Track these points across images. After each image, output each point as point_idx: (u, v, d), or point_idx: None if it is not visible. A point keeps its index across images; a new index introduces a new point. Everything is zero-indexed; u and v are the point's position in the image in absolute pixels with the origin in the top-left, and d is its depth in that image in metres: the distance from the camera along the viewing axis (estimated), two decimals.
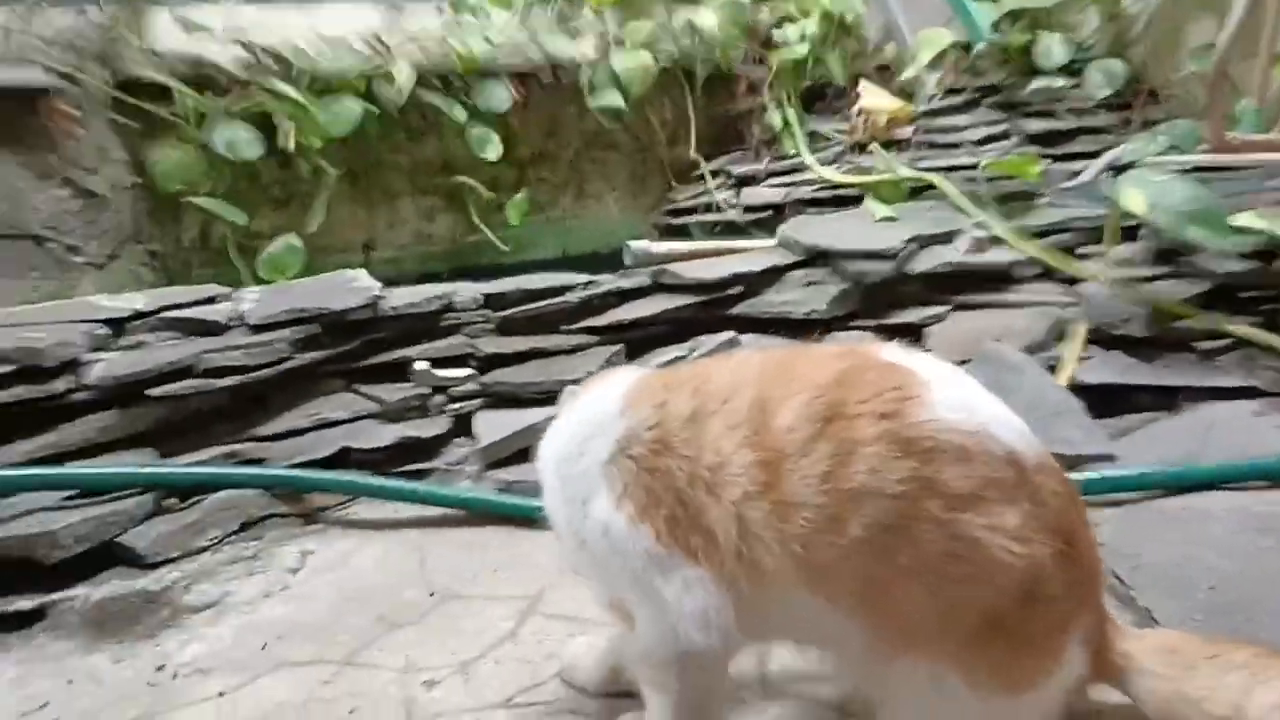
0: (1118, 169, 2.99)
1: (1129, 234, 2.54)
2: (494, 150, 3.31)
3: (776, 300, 2.53)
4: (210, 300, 2.35)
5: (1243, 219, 2.18)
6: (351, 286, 2.37)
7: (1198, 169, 2.82)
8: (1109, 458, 1.89)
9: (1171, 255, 2.44)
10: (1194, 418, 2.07)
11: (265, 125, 2.98)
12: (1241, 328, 2.21)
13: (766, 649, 1.37)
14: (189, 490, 1.90)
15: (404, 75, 3.16)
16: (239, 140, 2.90)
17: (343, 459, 2.05)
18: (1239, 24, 2.84)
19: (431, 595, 1.67)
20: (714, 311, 2.55)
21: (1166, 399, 2.17)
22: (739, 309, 2.55)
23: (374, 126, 3.21)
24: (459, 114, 3.23)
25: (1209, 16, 3.38)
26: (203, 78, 2.92)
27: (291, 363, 2.17)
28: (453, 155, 3.42)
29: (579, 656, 1.40)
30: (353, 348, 2.29)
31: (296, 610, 1.65)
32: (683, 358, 2.28)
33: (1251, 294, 2.27)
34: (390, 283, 2.47)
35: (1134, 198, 2.20)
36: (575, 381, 2.15)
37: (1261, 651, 1.09)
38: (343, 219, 3.28)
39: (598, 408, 1.17)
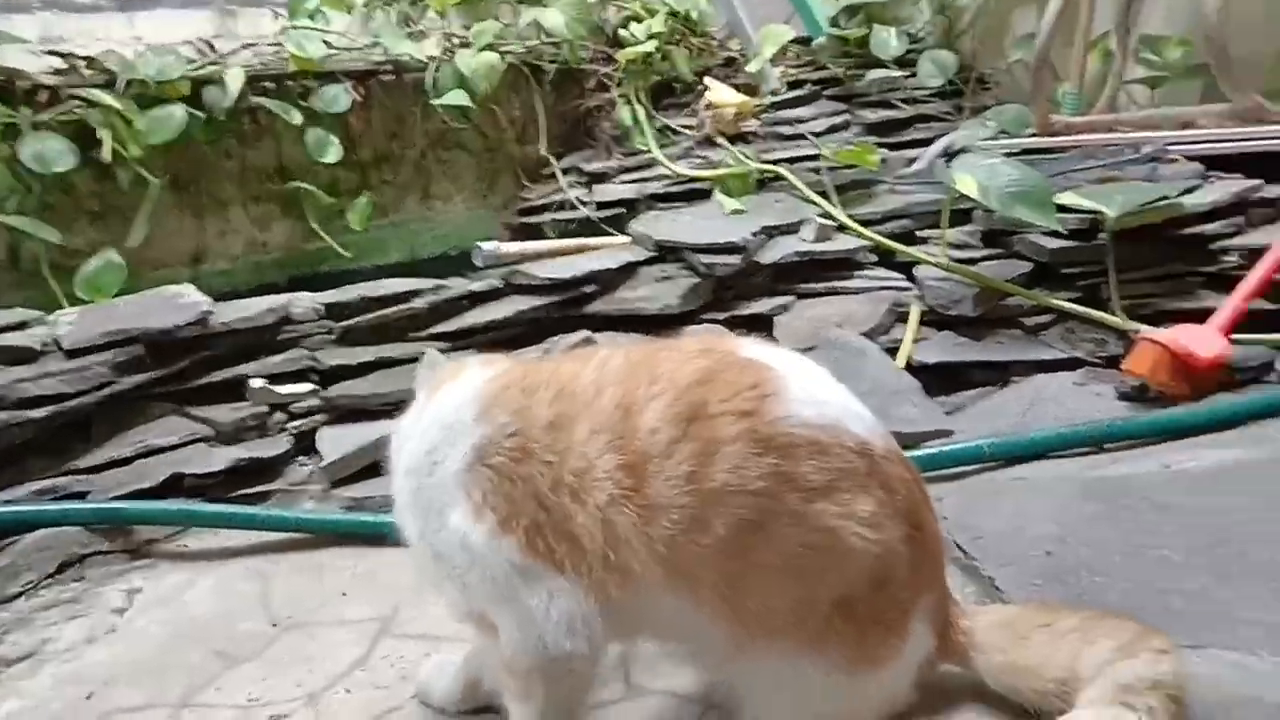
0: (951, 155, 3.11)
1: (964, 218, 2.63)
2: (333, 153, 3.18)
3: (631, 297, 2.52)
4: (21, 325, 2.19)
5: (1065, 198, 2.29)
6: (178, 303, 2.24)
7: (1025, 152, 2.96)
8: (946, 433, 1.96)
9: (1001, 237, 2.54)
10: (1022, 390, 2.17)
11: (82, 136, 2.79)
12: (1063, 303, 2.32)
13: (631, 647, 1.34)
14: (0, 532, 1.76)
15: (234, 79, 3.01)
16: (50, 152, 2.70)
17: (175, 487, 1.93)
18: (1057, 14, 3.00)
19: (274, 626, 1.59)
20: (569, 311, 2.52)
21: (997, 374, 2.27)
22: (594, 307, 2.53)
23: (202, 133, 3.05)
24: (295, 117, 3.10)
25: (1031, 7, 3.55)
26: (12, 89, 2.72)
27: (113, 388, 2.04)
28: (289, 160, 3.28)
29: (434, 675, 1.35)
30: (182, 368, 2.16)
31: (124, 653, 1.54)
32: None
33: (1073, 270, 2.38)
34: (223, 296, 2.35)
35: (966, 181, 2.28)
36: None
37: (1090, 615, 1.15)
38: (168, 231, 3.09)
39: (450, 413, 1.11)
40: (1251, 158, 2.55)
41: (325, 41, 3.32)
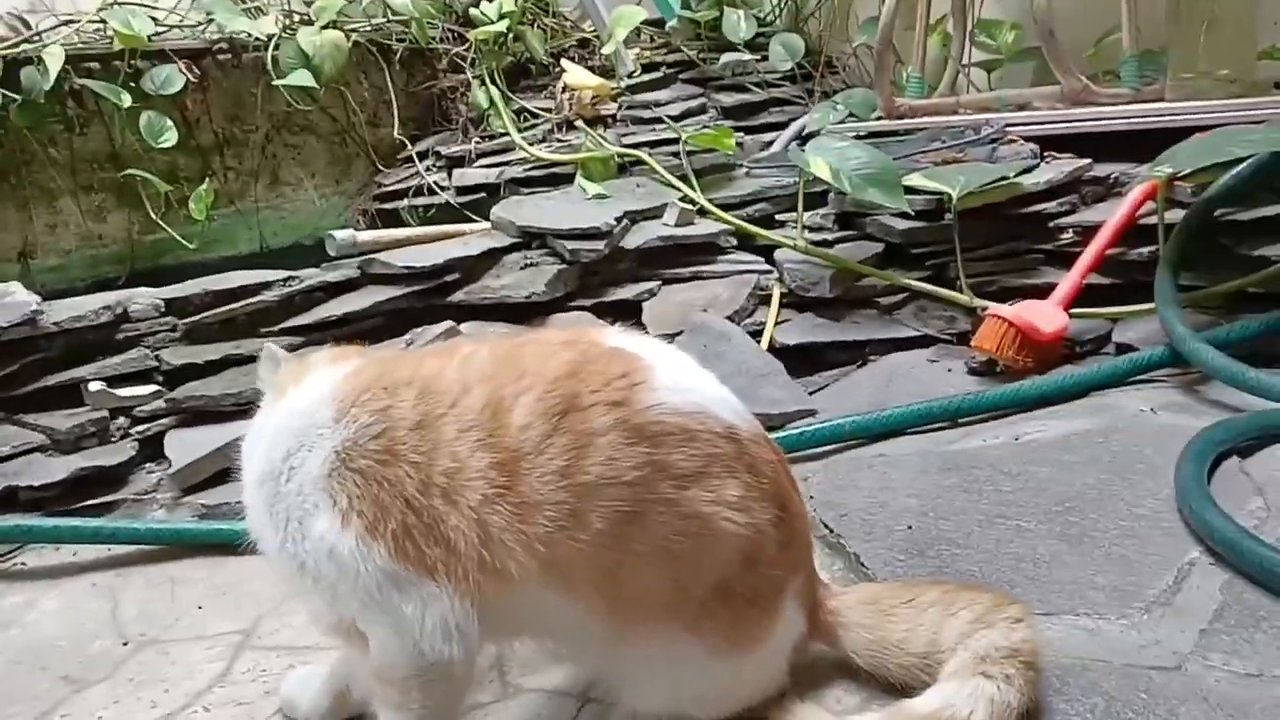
0: (804, 138, 3.18)
1: (819, 200, 2.69)
2: (169, 138, 3.00)
3: (495, 285, 2.47)
4: None
5: (912, 179, 2.37)
6: (4, 302, 2.09)
7: (872, 135, 3.05)
8: (810, 413, 2.01)
9: (854, 219, 2.61)
10: (879, 369, 2.25)
11: None
12: (914, 282, 2.40)
13: (507, 648, 1.32)
14: None
15: (53, 58, 2.80)
16: None
17: (9, 501, 1.81)
18: None
19: (125, 644, 1.50)
20: (431, 300, 2.46)
21: (855, 353, 2.34)
22: (457, 296, 2.47)
23: (21, 118, 2.83)
24: (124, 99, 2.91)
25: None
26: None
27: None
28: (122, 146, 3.08)
29: (299, 687, 1.29)
30: (11, 372, 2.03)
31: None
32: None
33: (922, 250, 2.47)
34: (58, 294, 2.23)
35: (819, 164, 2.33)
36: None
37: (950, 587, 1.19)
38: None
39: (306, 414, 1.05)
40: (1082, 137, 2.69)
41: (153, 18, 3.13)
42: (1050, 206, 2.47)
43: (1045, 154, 2.66)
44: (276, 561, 1.07)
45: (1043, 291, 2.23)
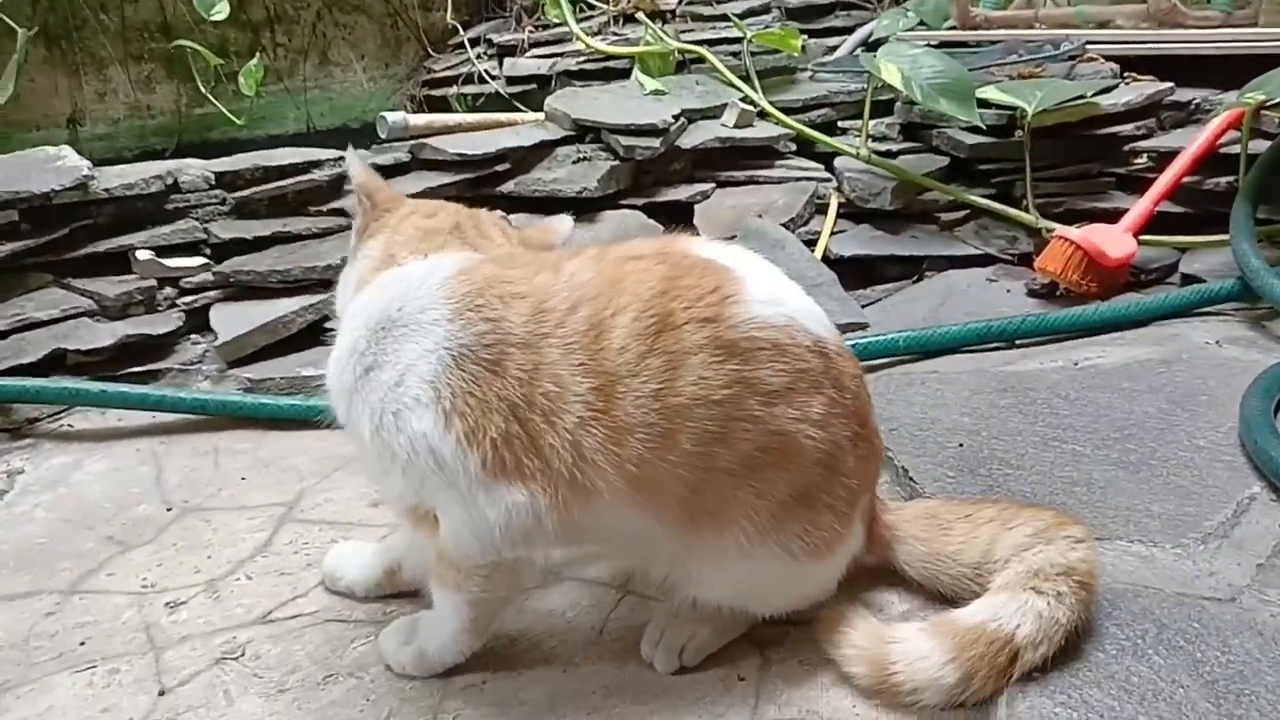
0: (871, 45, 3.06)
1: (884, 109, 2.60)
2: (220, 10, 2.94)
3: (547, 178, 2.42)
4: None
5: (986, 92, 2.28)
6: (55, 166, 2.07)
7: (943, 45, 2.93)
8: (862, 326, 1.97)
9: (920, 130, 2.53)
10: (935, 285, 2.19)
11: None
12: (979, 199, 2.33)
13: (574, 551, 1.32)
14: None
15: None
16: None
17: (57, 363, 1.82)
18: None
19: (169, 510, 1.52)
20: (480, 190, 2.41)
21: (911, 268, 2.29)
22: (508, 186, 2.43)
23: None
24: None
25: None
26: None
27: None
28: (173, 16, 3.03)
29: (343, 560, 1.31)
30: (61, 236, 2.02)
31: (6, 538, 1.45)
32: None
33: (989, 167, 2.39)
34: (104, 162, 2.19)
35: (890, 70, 2.24)
36: (329, 268, 2.02)
37: (1008, 505, 1.18)
38: (41, 89, 2.85)
39: (413, 305, 1.04)
40: (1165, 60, 2.57)
41: None
42: (1127, 129, 2.38)
43: (1125, 74, 2.56)
44: (362, 441, 1.06)
45: (1113, 217, 2.16)
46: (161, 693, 1.14)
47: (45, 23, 2.84)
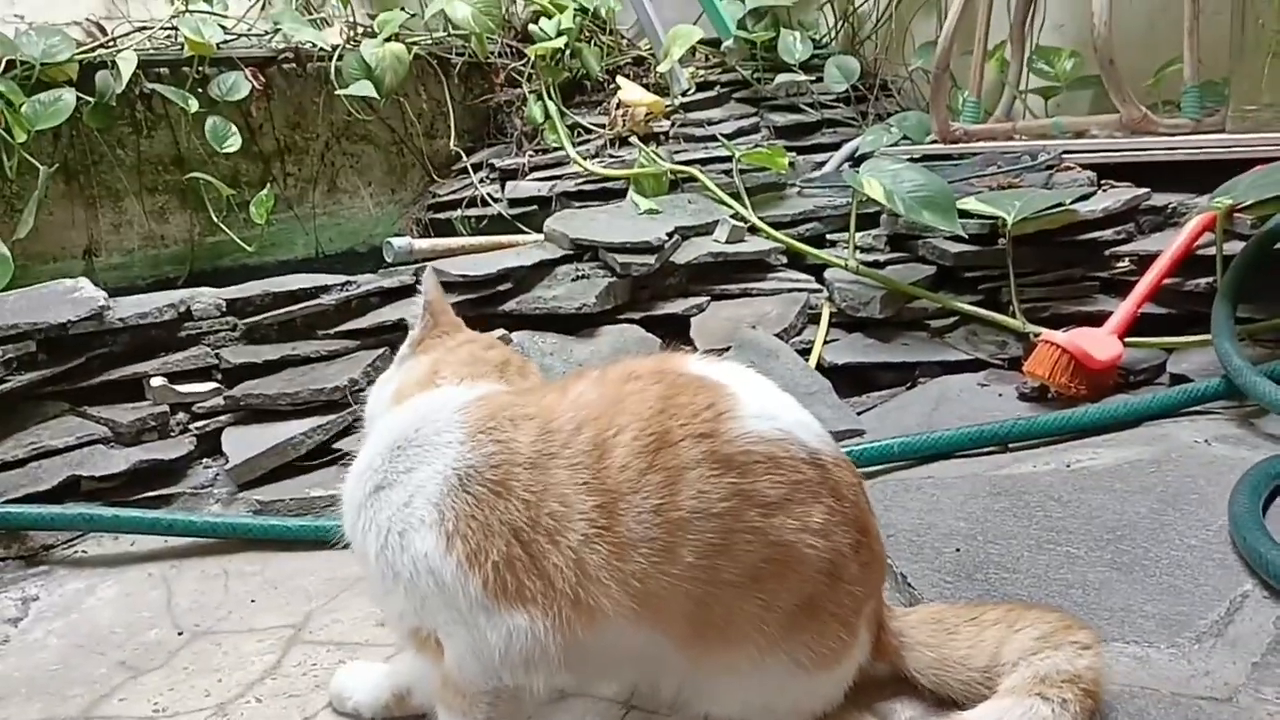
0: (856, 160, 3.18)
1: (871, 221, 2.70)
2: (233, 143, 3.08)
3: (547, 296, 2.50)
4: None
5: (966, 204, 2.37)
6: (72, 297, 2.15)
7: (926, 158, 3.05)
8: (858, 433, 2.01)
9: (906, 240, 2.61)
10: (928, 391, 2.24)
11: None
12: (966, 306, 2.40)
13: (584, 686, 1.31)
14: None
15: (126, 63, 2.89)
16: None
17: (71, 490, 1.85)
18: (955, 22, 3.09)
19: (180, 634, 1.53)
20: (484, 309, 2.49)
21: (904, 375, 2.34)
22: (510, 305, 2.50)
23: (93, 119, 2.92)
24: (192, 104, 2.99)
25: (931, 16, 3.66)
26: None
27: (4, 386, 1.96)
28: (187, 149, 3.16)
29: (351, 681, 1.31)
30: (77, 366, 2.08)
31: (19, 665, 1.46)
32: None
33: (975, 274, 2.46)
34: (119, 292, 2.27)
35: (873, 185, 2.33)
36: (337, 389, 2.07)
37: (1014, 606, 1.20)
38: (59, 222, 2.95)
39: (430, 428, 1.08)
40: (1140, 166, 2.67)
41: (222, 26, 3.23)
42: (1106, 234, 2.45)
43: (1102, 182, 2.65)
44: (368, 562, 1.08)
45: (1097, 319, 2.22)
46: None
47: (65, 158, 2.96)
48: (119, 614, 1.59)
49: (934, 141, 3.22)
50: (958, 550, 1.52)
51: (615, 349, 2.35)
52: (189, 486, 1.96)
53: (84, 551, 1.79)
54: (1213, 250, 2.20)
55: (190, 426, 2.08)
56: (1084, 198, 2.51)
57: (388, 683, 1.29)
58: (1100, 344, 2.10)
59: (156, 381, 2.08)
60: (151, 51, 3.08)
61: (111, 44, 3.02)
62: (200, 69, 3.12)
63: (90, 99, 2.88)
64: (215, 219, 3.15)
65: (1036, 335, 2.20)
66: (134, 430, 2.01)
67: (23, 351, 2.00)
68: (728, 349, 2.28)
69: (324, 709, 1.32)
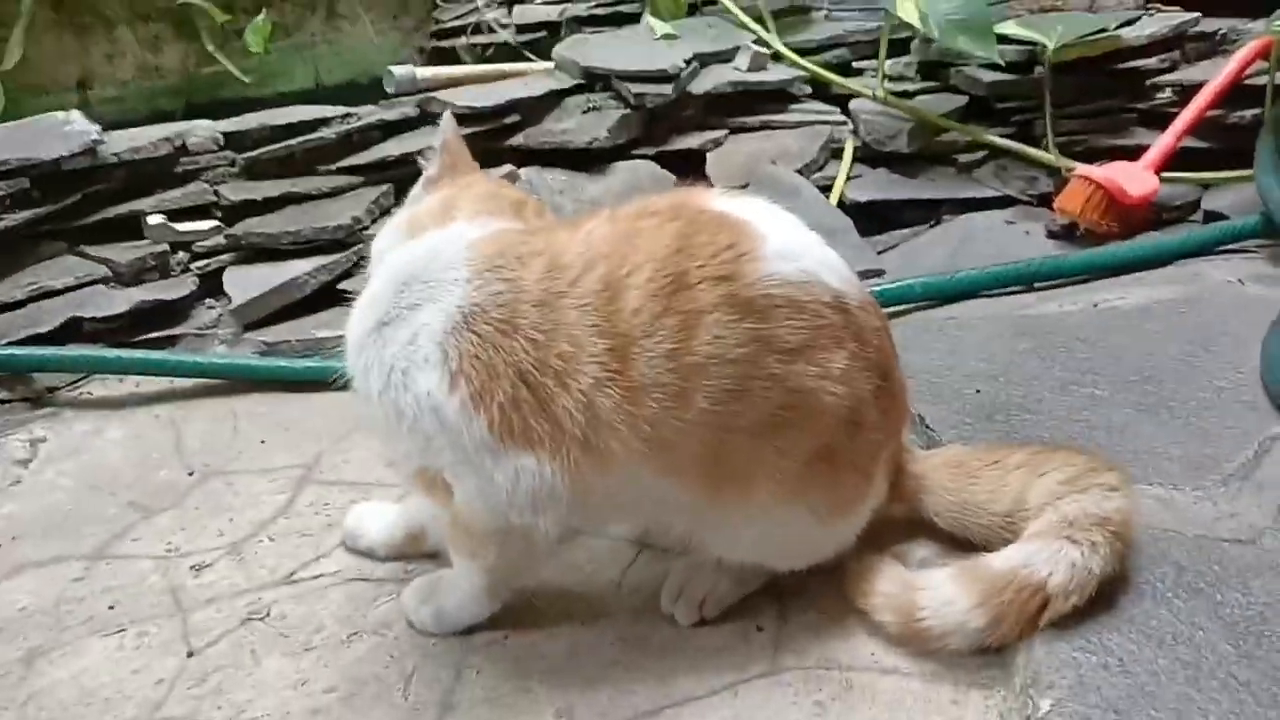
0: None
1: (902, 48, 2.55)
2: None
3: (556, 129, 2.39)
4: None
5: (1005, 27, 2.23)
6: (64, 131, 2.06)
7: None
8: (878, 273, 1.95)
9: (937, 69, 2.48)
10: (952, 229, 2.16)
11: None
12: (998, 139, 2.28)
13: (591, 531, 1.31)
14: None
15: None
16: None
17: (72, 331, 1.82)
18: None
19: (191, 474, 1.53)
20: (490, 143, 2.38)
21: (929, 212, 2.25)
22: (517, 139, 2.39)
23: None
24: None
25: None
26: None
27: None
28: None
29: (364, 521, 1.32)
30: (72, 203, 2.01)
31: (31, 505, 1.47)
32: None
33: (1009, 105, 2.34)
34: (113, 125, 2.17)
35: (906, 7, 2.18)
36: (340, 228, 2.02)
37: (1039, 450, 1.17)
38: (49, 53, 2.82)
39: (437, 264, 1.04)
40: None
41: None
42: (1150, 63, 2.32)
43: (1150, 4, 2.49)
44: (371, 401, 1.05)
45: (1134, 154, 2.11)
46: (190, 654, 1.16)
47: None
48: (128, 455, 1.59)
49: None
50: (978, 391, 1.49)
51: (628, 186, 2.26)
52: (192, 327, 1.92)
53: (89, 393, 1.77)
54: (1263, 80, 2.06)
55: (191, 266, 2.03)
56: (1129, 22, 2.36)
57: (401, 522, 1.29)
58: (1135, 179, 2.01)
59: (154, 219, 2.02)
60: None
61: None
62: None
63: None
64: (210, 48, 3.01)
65: (1070, 170, 2.10)
66: (134, 270, 1.96)
67: (16, 188, 1.93)
68: (745, 186, 2.19)
69: (337, 548, 1.33)
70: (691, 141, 2.42)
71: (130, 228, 2.04)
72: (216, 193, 2.12)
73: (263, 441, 1.60)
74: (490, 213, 1.12)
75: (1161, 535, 1.13)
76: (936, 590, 1.05)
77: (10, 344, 1.74)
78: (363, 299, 1.09)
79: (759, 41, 2.61)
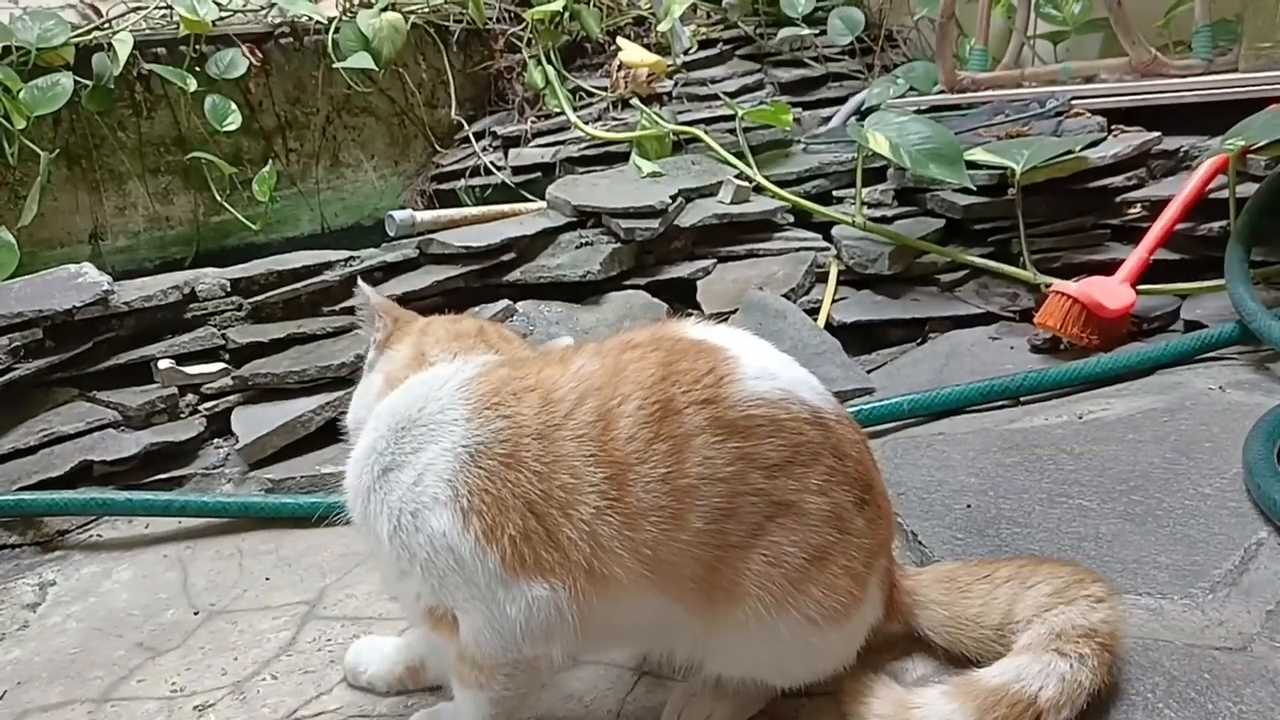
0: (863, 114, 3.13)
1: (878, 176, 2.66)
2: (233, 121, 3.07)
3: (551, 264, 2.49)
4: None
5: (975, 154, 2.33)
6: (76, 283, 2.15)
7: (934, 109, 3.01)
8: (868, 391, 1.99)
9: (913, 194, 2.58)
10: (939, 346, 2.22)
11: None
12: (976, 259, 2.37)
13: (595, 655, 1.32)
14: None
15: (122, 44, 2.87)
16: None
17: (84, 475, 1.87)
18: None
19: (196, 614, 1.54)
20: (488, 279, 2.48)
21: (914, 330, 2.32)
22: (514, 275, 2.49)
23: (92, 102, 2.91)
24: (190, 83, 2.98)
25: None
26: None
27: (12, 374, 1.97)
28: (188, 129, 3.16)
29: (364, 655, 1.33)
30: (84, 351, 2.09)
31: (39, 649, 1.48)
32: None
33: (984, 226, 2.43)
34: (126, 274, 2.28)
35: (878, 140, 2.30)
36: (344, 365, 2.07)
37: (1026, 562, 1.19)
38: (63, 207, 2.96)
39: (435, 407, 1.07)
40: (1151, 110, 2.62)
41: (217, 3, 3.19)
42: (1117, 181, 2.41)
43: (1113, 127, 2.60)
44: (379, 544, 1.07)
45: (1109, 268, 2.18)
46: None
47: (66, 143, 2.96)
48: (136, 596, 1.61)
49: (941, 92, 3.17)
50: (969, 506, 1.52)
51: (621, 315, 2.34)
52: (200, 467, 1.97)
53: (99, 535, 1.80)
54: (1226, 193, 2.16)
55: (199, 407, 2.09)
56: (1094, 144, 2.47)
57: (401, 656, 1.29)
58: (1112, 292, 2.07)
59: (164, 364, 2.09)
60: (148, 32, 3.07)
61: (107, 25, 3.01)
62: (197, 47, 3.11)
63: (88, 82, 2.88)
64: (219, 198, 3.15)
65: (1048, 286, 2.17)
66: (144, 413, 2.02)
67: (29, 339, 2.01)
68: (734, 311, 2.26)
69: (339, 684, 1.33)
70: (681, 271, 2.52)
71: (140, 372, 2.10)
72: (224, 336, 2.20)
73: (267, 578, 1.62)
74: (463, 350, 1.16)
75: (1152, 645, 1.14)
76: (931, 708, 1.05)
77: (22, 489, 1.78)
78: (358, 451, 1.11)
79: (741, 176, 2.72)
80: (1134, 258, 2.15)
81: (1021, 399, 1.90)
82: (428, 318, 1.27)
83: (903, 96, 3.23)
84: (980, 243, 2.43)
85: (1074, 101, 2.73)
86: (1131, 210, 2.40)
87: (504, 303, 2.35)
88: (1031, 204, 2.32)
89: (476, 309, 2.35)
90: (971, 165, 2.29)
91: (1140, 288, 2.12)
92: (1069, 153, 2.36)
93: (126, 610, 1.57)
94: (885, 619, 1.17)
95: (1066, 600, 1.10)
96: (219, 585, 1.62)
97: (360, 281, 1.29)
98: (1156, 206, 2.28)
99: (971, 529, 1.46)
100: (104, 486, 1.85)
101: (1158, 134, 2.52)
